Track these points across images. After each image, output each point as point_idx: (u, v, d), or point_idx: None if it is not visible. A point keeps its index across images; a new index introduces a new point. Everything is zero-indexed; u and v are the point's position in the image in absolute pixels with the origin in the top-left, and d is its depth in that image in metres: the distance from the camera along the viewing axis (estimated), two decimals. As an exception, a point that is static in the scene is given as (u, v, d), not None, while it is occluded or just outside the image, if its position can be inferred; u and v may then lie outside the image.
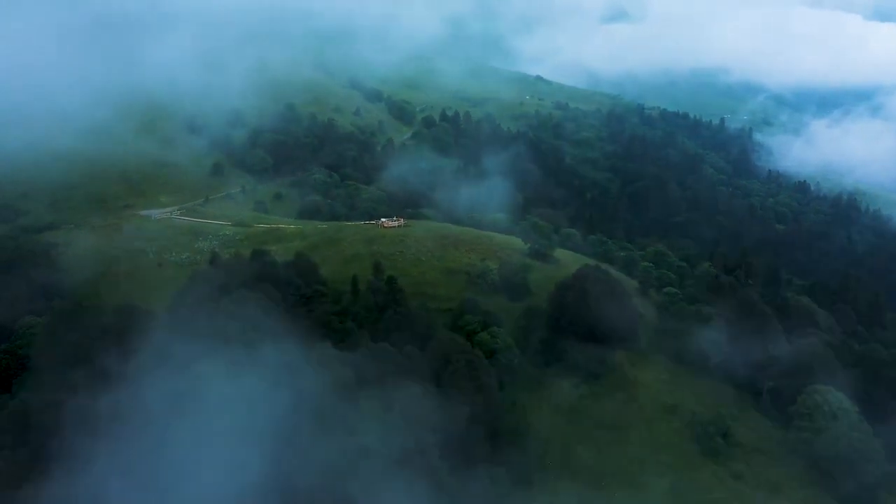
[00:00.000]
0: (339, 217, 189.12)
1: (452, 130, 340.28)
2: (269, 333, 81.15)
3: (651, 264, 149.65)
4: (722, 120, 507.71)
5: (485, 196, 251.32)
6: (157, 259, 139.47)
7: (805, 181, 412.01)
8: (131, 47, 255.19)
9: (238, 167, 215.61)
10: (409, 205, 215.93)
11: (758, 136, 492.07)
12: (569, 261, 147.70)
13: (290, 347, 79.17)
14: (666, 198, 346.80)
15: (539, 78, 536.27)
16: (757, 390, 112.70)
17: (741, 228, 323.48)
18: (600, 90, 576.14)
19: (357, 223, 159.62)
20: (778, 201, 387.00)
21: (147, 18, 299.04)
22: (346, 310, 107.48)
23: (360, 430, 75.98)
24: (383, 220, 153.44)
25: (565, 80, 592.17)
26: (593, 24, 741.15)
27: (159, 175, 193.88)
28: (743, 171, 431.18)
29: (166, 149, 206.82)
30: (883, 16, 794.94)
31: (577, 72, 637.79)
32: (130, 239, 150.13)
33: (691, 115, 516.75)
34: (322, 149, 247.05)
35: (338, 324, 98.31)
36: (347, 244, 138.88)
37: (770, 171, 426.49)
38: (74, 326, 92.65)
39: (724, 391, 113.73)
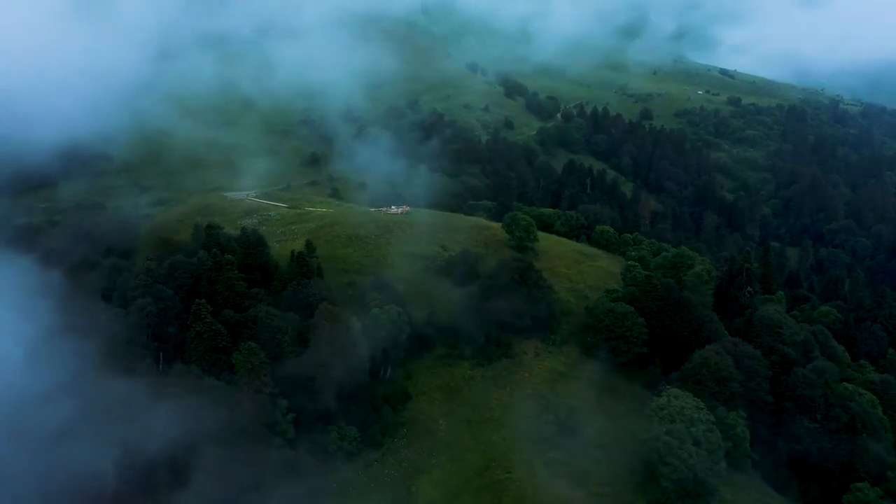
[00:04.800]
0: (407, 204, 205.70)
1: (587, 126, 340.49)
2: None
3: (636, 263, 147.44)
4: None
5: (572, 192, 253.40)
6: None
7: None
8: (270, 50, 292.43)
9: (337, 158, 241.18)
10: (475, 196, 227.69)
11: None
12: (553, 252, 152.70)
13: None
14: (822, 203, 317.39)
15: (723, 71, 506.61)
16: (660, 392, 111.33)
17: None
18: (803, 83, 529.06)
19: (367, 209, 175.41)
20: None
21: (286, 20, 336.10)
22: (277, 278, 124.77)
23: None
24: (393, 207, 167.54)
25: (768, 73, 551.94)
26: (801, 10, 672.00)
27: (260, 162, 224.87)
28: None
29: (277, 140, 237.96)
30: None
31: (785, 63, 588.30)
32: (197, 214, 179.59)
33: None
34: (426, 143, 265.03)
35: (243, 288, 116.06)
36: (341, 227, 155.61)
37: None
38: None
39: (623, 389, 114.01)
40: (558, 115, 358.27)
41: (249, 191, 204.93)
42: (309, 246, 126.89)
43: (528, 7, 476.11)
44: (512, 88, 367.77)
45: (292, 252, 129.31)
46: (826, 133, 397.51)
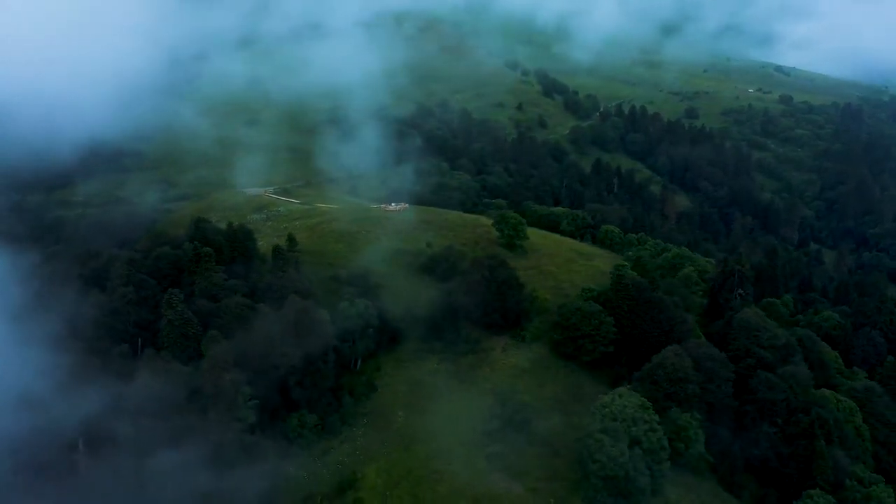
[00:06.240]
0: (419, 202, 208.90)
1: (624, 125, 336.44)
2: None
3: (625, 263, 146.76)
4: None
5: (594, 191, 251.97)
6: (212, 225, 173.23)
7: None
8: (300, 49, 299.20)
9: (359, 155, 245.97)
10: (494, 195, 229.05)
11: None
12: (547, 251, 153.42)
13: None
14: (869, 205, 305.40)
15: (778, 68, 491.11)
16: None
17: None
18: (868, 81, 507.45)
19: (370, 205, 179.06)
20: None
21: (317, 18, 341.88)
22: (254, 271, 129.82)
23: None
24: (392, 204, 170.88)
25: (831, 70, 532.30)
26: (867, 5, 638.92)
27: (282, 160, 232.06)
28: None
29: (302, 138, 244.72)
30: None
31: (849, 60, 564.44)
32: (211, 209, 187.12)
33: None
34: (451, 140, 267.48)
35: (221, 280, 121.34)
36: (338, 223, 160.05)
37: None
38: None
39: (588, 387, 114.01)
40: (596, 114, 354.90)
41: (268, 187, 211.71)
42: (291, 240, 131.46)
43: (571, 4, 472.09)
44: (550, 87, 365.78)
45: (275, 246, 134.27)
46: (883, 132, 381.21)
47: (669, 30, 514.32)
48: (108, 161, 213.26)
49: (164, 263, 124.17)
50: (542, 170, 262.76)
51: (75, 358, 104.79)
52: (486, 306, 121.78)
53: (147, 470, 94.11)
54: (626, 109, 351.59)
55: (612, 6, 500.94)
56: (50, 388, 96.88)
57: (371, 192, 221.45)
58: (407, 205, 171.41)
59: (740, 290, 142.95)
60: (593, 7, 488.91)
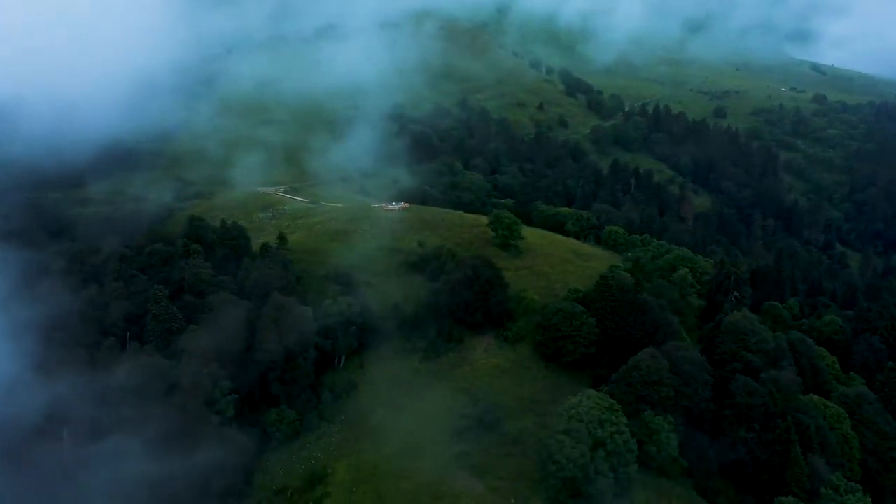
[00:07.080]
0: (427, 201, 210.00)
1: (647, 125, 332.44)
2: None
3: (619, 264, 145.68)
4: None
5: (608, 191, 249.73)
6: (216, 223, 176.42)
7: None
8: (321, 50, 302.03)
9: (371, 155, 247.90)
10: (505, 194, 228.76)
11: None
12: (544, 251, 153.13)
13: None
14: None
15: (814, 67, 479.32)
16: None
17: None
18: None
19: (371, 205, 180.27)
20: None
21: (340, 18, 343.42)
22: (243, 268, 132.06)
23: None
24: (393, 203, 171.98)
25: (872, 69, 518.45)
26: None
27: (296, 159, 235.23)
28: None
29: (317, 138, 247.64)
30: None
31: (889, 58, 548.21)
32: (217, 208, 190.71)
33: None
34: (466, 140, 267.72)
35: (209, 276, 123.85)
36: (335, 222, 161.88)
37: None
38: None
39: (568, 388, 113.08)
40: (620, 114, 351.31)
41: (279, 186, 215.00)
42: (281, 238, 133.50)
43: (596, 3, 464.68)
44: (573, 86, 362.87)
45: (263, 243, 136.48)
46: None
47: (696, 28, 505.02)
48: (124, 159, 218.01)
49: (156, 260, 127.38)
50: (557, 169, 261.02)
51: (63, 351, 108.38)
52: (469, 306, 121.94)
53: (121, 459, 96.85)
54: (651, 109, 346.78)
55: (637, 5, 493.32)
56: (33, 380, 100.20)
57: (381, 192, 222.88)
58: (407, 204, 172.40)
59: (736, 293, 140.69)
60: (618, 6, 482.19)
